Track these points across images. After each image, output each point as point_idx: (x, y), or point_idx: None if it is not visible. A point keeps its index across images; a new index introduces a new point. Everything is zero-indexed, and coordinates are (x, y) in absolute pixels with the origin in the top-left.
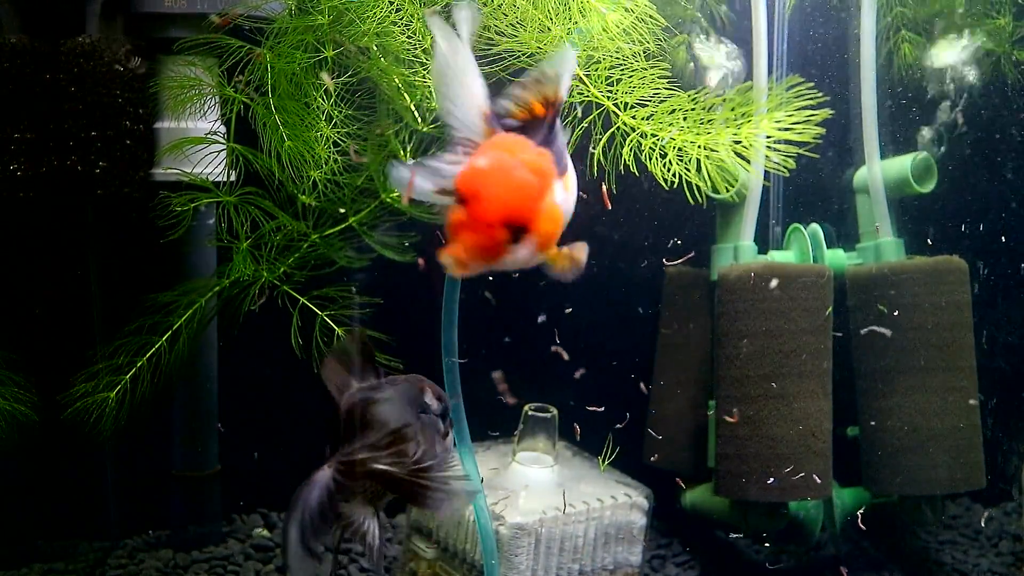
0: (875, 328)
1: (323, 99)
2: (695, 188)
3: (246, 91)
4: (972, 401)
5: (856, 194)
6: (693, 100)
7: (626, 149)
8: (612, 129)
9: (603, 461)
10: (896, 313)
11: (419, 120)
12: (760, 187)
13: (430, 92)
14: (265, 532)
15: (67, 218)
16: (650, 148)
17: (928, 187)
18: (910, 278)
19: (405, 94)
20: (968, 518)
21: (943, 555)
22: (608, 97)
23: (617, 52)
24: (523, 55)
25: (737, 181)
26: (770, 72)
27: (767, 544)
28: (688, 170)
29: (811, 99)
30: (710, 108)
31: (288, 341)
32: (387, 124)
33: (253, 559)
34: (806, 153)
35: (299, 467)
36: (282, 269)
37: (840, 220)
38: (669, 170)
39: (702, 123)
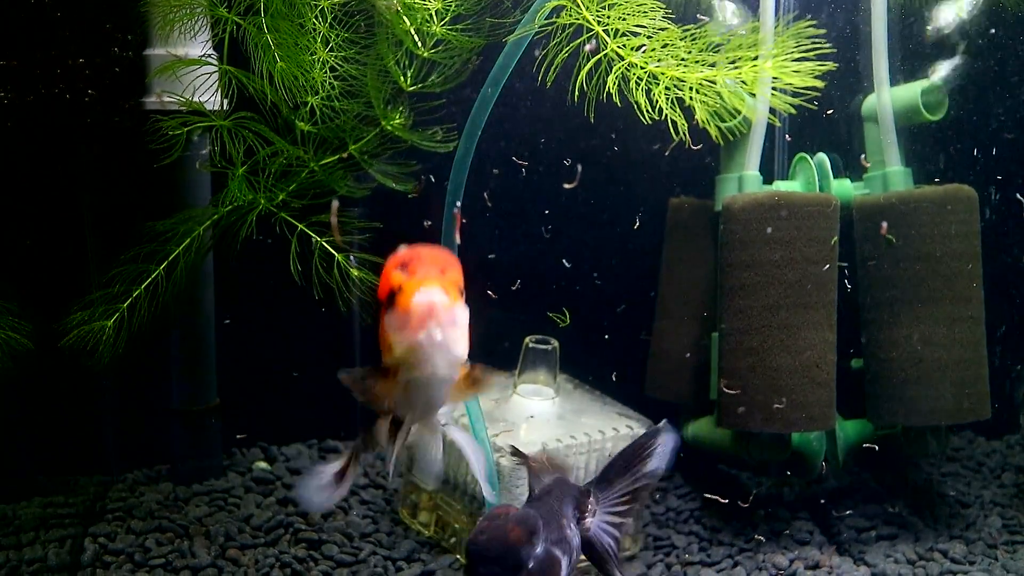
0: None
1: (318, 21)
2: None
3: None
4: (979, 331)
5: (864, 122)
6: (692, 36)
7: (611, 77)
8: (600, 55)
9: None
10: (903, 242)
11: (419, 45)
12: (765, 116)
13: (430, 16)
14: (265, 465)
15: (57, 147)
16: (637, 80)
17: (938, 115)
18: (918, 207)
19: (405, 17)
20: (971, 450)
21: (945, 487)
22: (599, 22)
23: None
24: None
25: (738, 114)
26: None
27: (769, 476)
28: (675, 108)
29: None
30: (712, 48)
31: (287, 270)
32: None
33: (253, 492)
34: (806, 91)
35: (298, 400)
36: (281, 196)
37: (848, 149)
38: (656, 106)
39: (702, 63)
